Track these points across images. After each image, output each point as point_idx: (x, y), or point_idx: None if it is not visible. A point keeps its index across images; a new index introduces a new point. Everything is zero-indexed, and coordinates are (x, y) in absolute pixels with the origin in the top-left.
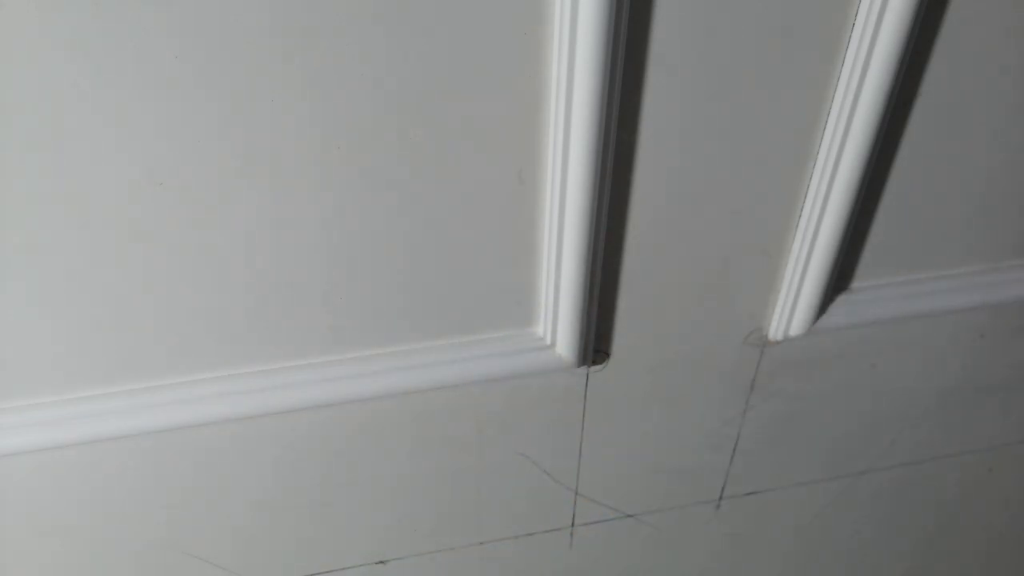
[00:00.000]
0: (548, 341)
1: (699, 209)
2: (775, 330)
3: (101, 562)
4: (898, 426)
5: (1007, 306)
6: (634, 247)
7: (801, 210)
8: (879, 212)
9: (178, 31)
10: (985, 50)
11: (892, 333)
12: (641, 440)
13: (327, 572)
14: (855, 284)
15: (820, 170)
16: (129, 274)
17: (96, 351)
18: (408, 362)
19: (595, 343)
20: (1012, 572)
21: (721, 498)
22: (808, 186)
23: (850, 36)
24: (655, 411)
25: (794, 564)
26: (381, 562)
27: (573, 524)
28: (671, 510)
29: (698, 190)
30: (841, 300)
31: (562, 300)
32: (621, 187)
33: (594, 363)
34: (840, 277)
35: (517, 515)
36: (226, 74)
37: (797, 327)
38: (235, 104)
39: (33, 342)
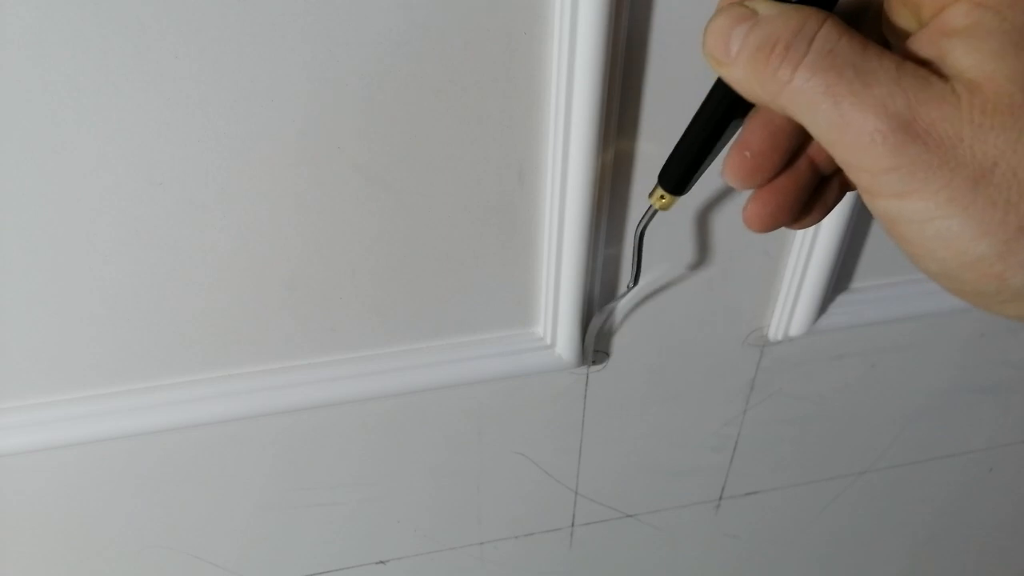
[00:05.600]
0: (548, 341)
1: (698, 208)
2: (775, 330)
3: (101, 562)
4: (898, 426)
5: None
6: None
7: None
8: None
9: (178, 31)
10: None
11: (892, 333)
12: (641, 440)
13: (327, 572)
14: (855, 284)
15: None
16: (129, 274)
17: (96, 351)
18: (408, 362)
19: (595, 343)
20: (1012, 572)
21: (721, 498)
22: None
23: None
24: (655, 411)
25: (794, 564)
26: (381, 562)
27: (573, 524)
28: (671, 510)
29: (697, 189)
30: (841, 300)
31: (562, 300)
32: (621, 186)
33: (594, 363)
34: (840, 277)
35: (517, 515)
36: (226, 74)
37: (797, 327)
38: (235, 104)
39: (33, 342)
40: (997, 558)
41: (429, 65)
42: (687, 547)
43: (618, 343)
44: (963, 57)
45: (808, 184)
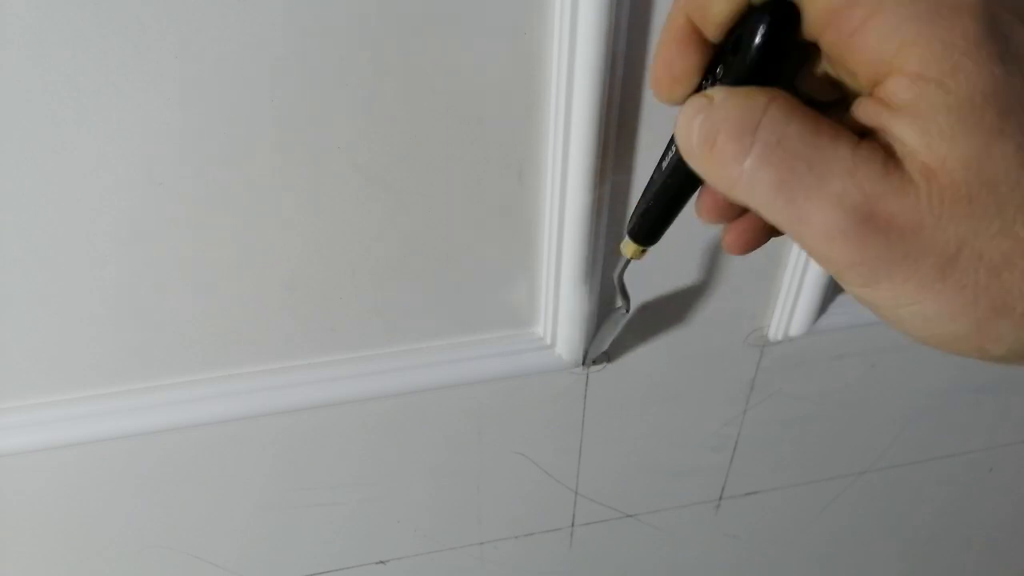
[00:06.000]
0: (548, 341)
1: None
2: (775, 330)
3: (101, 562)
4: (898, 426)
5: None
6: None
7: None
8: None
9: (178, 31)
10: None
11: (892, 333)
12: (641, 440)
13: (327, 572)
14: None
15: None
16: (129, 274)
17: (96, 351)
18: (408, 362)
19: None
20: (1012, 572)
21: (721, 498)
22: None
23: None
24: (655, 411)
25: (794, 564)
26: (381, 562)
27: (573, 524)
28: (671, 510)
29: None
30: (841, 300)
31: (562, 300)
32: (621, 186)
33: (594, 363)
34: None
35: (517, 515)
36: (226, 74)
37: (797, 327)
38: (235, 104)
39: (33, 342)
40: (997, 558)
41: (429, 65)
42: (687, 547)
43: (618, 343)
44: (912, 137)
45: None
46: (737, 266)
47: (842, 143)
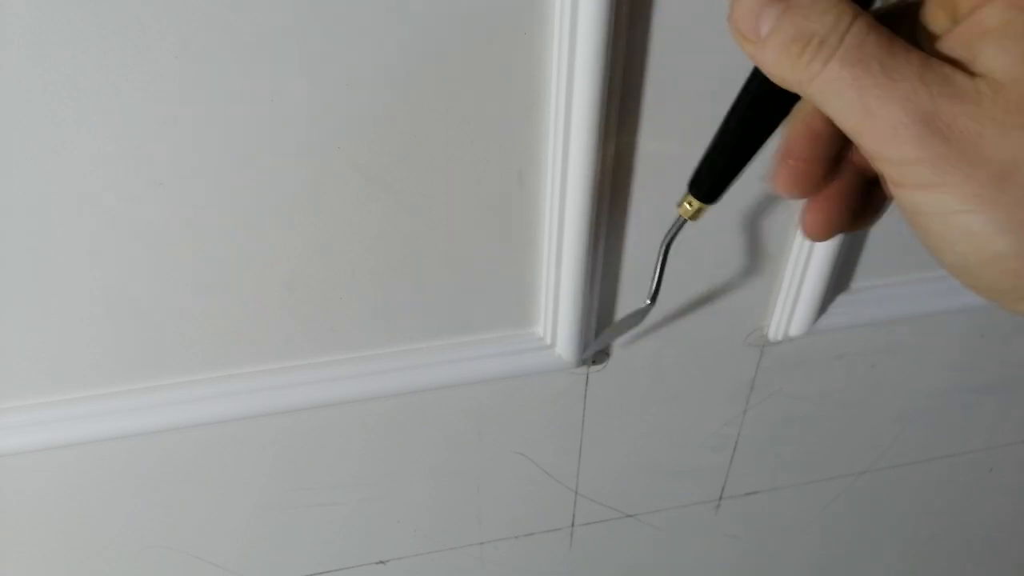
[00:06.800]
0: (548, 341)
1: None
2: (775, 330)
3: (101, 562)
4: (898, 426)
5: None
6: (634, 247)
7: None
8: None
9: (178, 31)
10: None
11: (892, 333)
12: (641, 440)
13: (327, 572)
14: (855, 284)
15: None
16: (129, 274)
17: (96, 351)
18: (408, 362)
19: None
20: (1012, 572)
21: (721, 498)
22: None
23: None
24: (655, 411)
25: (794, 564)
26: (381, 562)
27: (573, 524)
28: (671, 510)
29: None
30: (841, 300)
31: (562, 300)
32: (621, 187)
33: (594, 363)
34: (840, 277)
35: (517, 515)
36: (226, 74)
37: (797, 327)
38: (235, 104)
39: (33, 342)
40: (997, 558)
41: (429, 65)
42: (687, 547)
43: (618, 343)
44: (993, 58)
45: (856, 189)
46: (737, 266)
47: (914, 54)
